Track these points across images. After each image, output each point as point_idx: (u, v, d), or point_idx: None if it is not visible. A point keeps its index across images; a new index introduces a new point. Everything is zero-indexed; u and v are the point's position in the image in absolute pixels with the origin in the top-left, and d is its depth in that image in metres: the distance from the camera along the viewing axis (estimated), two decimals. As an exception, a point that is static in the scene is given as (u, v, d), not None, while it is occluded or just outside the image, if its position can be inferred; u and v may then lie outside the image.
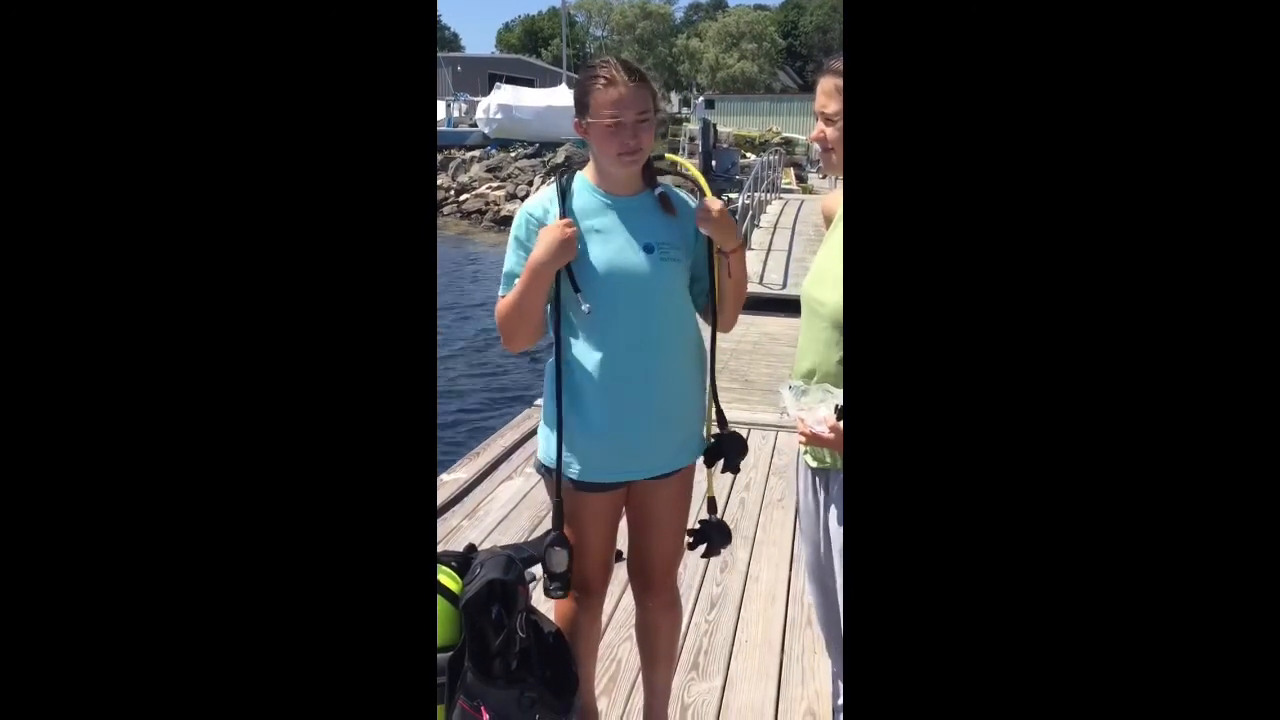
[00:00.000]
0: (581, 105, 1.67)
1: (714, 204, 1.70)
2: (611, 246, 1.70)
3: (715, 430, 1.86)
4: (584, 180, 1.75)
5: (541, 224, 1.70)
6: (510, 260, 1.74)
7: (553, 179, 1.84)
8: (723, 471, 1.86)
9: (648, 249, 1.70)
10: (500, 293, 1.75)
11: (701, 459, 1.86)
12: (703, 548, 1.88)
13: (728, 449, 1.84)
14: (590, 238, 1.70)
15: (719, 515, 1.90)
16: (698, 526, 1.88)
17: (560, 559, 1.76)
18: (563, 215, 1.69)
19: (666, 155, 2.18)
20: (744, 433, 4.35)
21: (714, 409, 1.85)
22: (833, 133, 1.48)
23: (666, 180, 1.83)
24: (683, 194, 1.81)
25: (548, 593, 1.78)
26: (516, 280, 1.70)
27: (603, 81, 1.61)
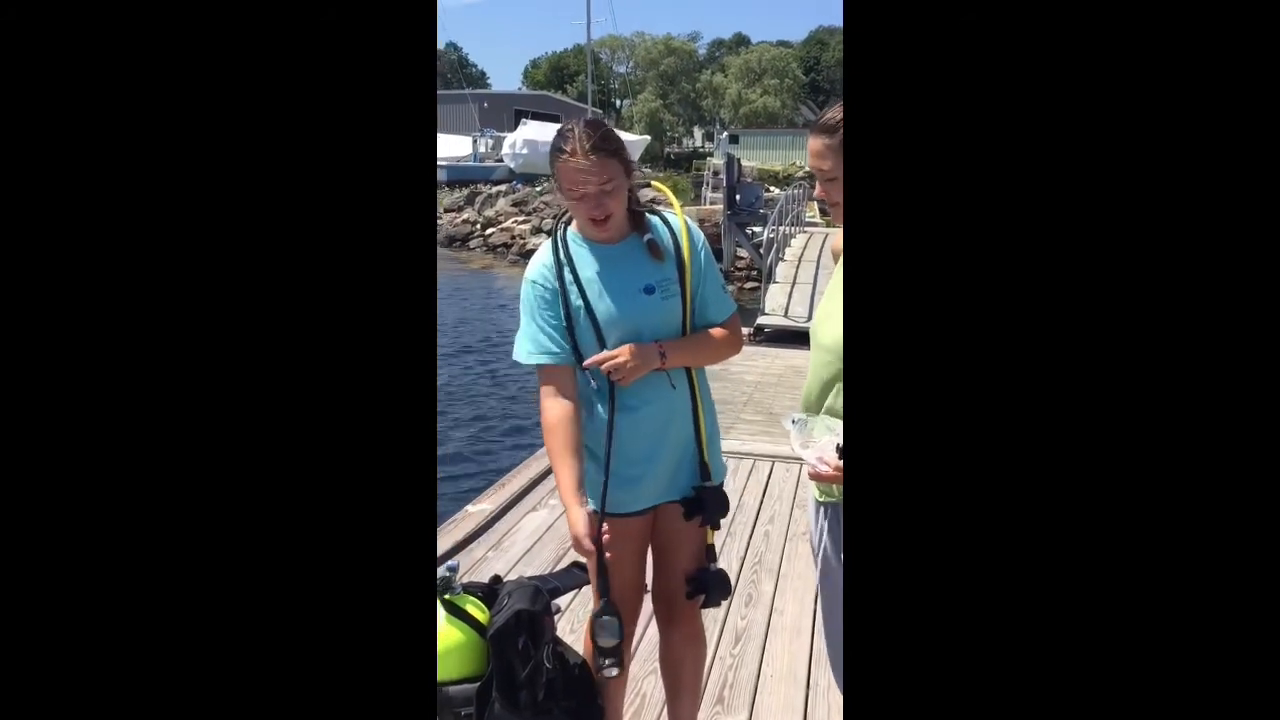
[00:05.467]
0: (553, 174, 1.71)
1: (612, 363, 1.68)
2: (611, 296, 1.73)
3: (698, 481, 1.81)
4: (574, 234, 1.79)
5: (546, 289, 1.74)
6: (526, 328, 1.76)
7: (545, 237, 1.85)
8: (701, 525, 1.81)
9: (648, 290, 1.73)
10: (522, 349, 1.77)
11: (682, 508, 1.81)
12: (702, 597, 1.84)
13: (709, 503, 1.79)
14: (590, 290, 1.73)
15: (718, 564, 1.85)
16: (695, 574, 1.83)
17: (611, 631, 1.70)
18: (560, 280, 1.72)
19: (652, 184, 2.19)
20: (768, 465, 4.41)
21: (703, 451, 1.80)
22: (833, 190, 1.48)
23: (652, 206, 1.85)
24: (672, 217, 1.80)
25: (600, 669, 1.72)
26: (543, 348, 1.73)
27: (565, 155, 1.64)
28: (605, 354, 1.69)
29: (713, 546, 1.85)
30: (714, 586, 1.82)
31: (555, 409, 1.73)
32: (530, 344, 1.76)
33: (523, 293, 1.79)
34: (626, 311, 1.72)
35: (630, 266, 1.75)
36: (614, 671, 1.72)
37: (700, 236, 1.82)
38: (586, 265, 1.75)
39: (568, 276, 1.73)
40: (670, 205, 1.84)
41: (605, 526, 1.69)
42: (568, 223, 1.81)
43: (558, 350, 1.74)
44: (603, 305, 1.72)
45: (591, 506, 1.79)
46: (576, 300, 1.72)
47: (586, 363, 1.71)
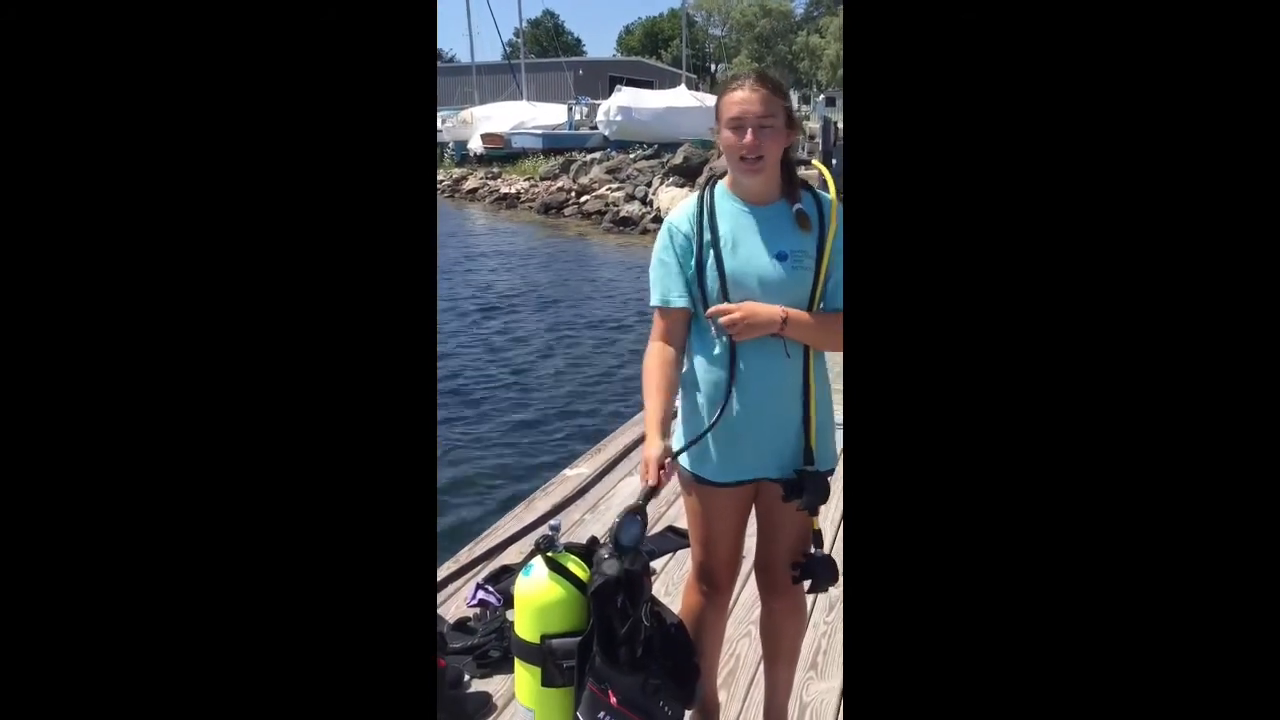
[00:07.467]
0: (716, 113, 1.74)
1: (728, 317, 1.69)
2: (744, 254, 1.74)
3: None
4: (723, 189, 1.81)
5: (681, 235, 1.77)
6: (654, 270, 1.81)
7: (685, 184, 1.88)
8: (799, 510, 1.79)
9: (780, 257, 1.73)
10: (650, 301, 1.81)
11: (785, 488, 1.80)
12: (808, 583, 1.84)
13: (808, 488, 1.76)
14: (725, 244, 1.75)
15: (826, 549, 1.84)
16: (802, 560, 1.84)
17: (629, 533, 1.67)
18: (699, 230, 1.75)
19: (813, 163, 2.17)
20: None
21: (810, 434, 1.78)
22: None
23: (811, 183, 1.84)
24: (825, 196, 1.79)
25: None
26: (665, 292, 1.77)
27: (734, 86, 1.70)
28: (726, 305, 1.71)
29: (819, 532, 1.84)
30: (821, 573, 1.81)
31: (659, 352, 1.78)
32: (654, 286, 1.80)
33: (659, 235, 1.83)
34: (755, 272, 1.73)
35: (772, 230, 1.75)
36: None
37: None
38: (728, 220, 1.77)
39: (706, 227, 1.76)
40: (827, 186, 1.82)
41: (670, 464, 1.72)
42: (720, 178, 1.82)
43: (676, 296, 1.78)
44: (734, 261, 1.74)
45: (674, 448, 1.82)
46: (710, 251, 1.74)
47: (708, 311, 1.74)
